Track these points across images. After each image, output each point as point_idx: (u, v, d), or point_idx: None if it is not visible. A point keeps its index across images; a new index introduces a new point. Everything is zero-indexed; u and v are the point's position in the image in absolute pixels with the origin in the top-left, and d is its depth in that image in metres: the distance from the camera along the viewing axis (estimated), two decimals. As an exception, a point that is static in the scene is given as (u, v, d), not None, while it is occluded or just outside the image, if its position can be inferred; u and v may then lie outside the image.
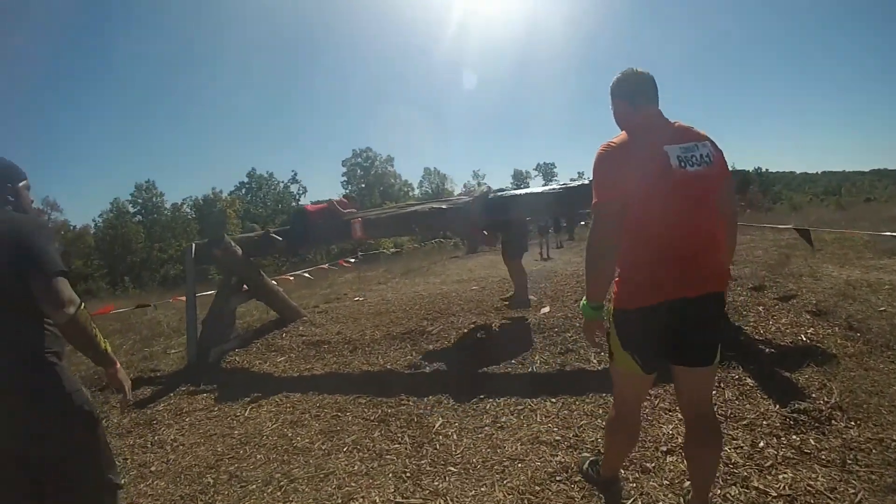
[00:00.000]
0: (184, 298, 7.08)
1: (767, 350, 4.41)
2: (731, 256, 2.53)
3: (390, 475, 3.32)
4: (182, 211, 60.44)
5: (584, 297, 2.35)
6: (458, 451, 3.49)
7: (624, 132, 2.31)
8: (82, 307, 2.10)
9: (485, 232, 6.81)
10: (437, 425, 3.89)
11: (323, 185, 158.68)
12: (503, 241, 7.20)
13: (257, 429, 4.29)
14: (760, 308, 5.35)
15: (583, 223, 21.21)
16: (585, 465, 3.03)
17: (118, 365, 2.32)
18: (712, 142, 2.28)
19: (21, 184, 2.36)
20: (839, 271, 6.90)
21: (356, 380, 5.14)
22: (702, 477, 2.48)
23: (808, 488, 2.69)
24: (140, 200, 58.29)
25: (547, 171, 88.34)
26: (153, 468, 3.88)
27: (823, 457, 2.93)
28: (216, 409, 4.87)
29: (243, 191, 64.27)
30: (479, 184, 73.57)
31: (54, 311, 2.04)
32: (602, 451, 2.98)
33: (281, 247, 6.73)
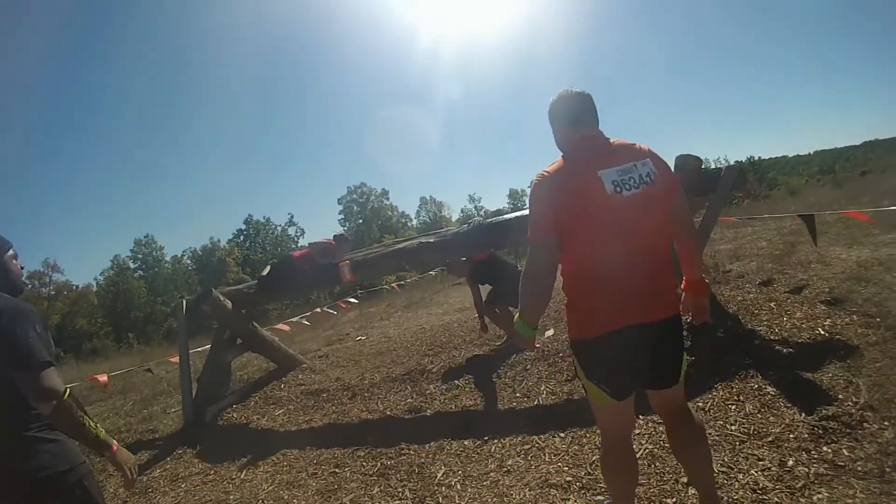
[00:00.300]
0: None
1: (785, 351, 4.14)
2: (699, 264, 2.46)
3: (391, 538, 3.08)
4: (182, 263, 60.46)
5: (519, 316, 2.32)
6: (463, 503, 3.24)
7: (560, 158, 2.30)
8: (66, 396, 2.03)
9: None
10: (439, 475, 3.64)
11: (321, 225, 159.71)
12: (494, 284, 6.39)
13: (253, 492, 4.07)
14: (772, 304, 5.08)
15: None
16: None
17: (115, 447, 2.18)
18: (655, 156, 2.24)
19: (7, 254, 2.27)
20: (848, 253, 6.63)
21: (355, 430, 4.92)
22: (700, 477, 2.42)
23: (847, 507, 2.42)
24: (140, 256, 58.06)
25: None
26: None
27: (860, 468, 2.66)
28: (212, 472, 4.66)
29: (241, 238, 64.05)
30: (476, 208, 73.77)
31: (38, 405, 2.01)
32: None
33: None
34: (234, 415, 6.03)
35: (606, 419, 2.41)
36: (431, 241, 5.77)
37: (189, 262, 60.74)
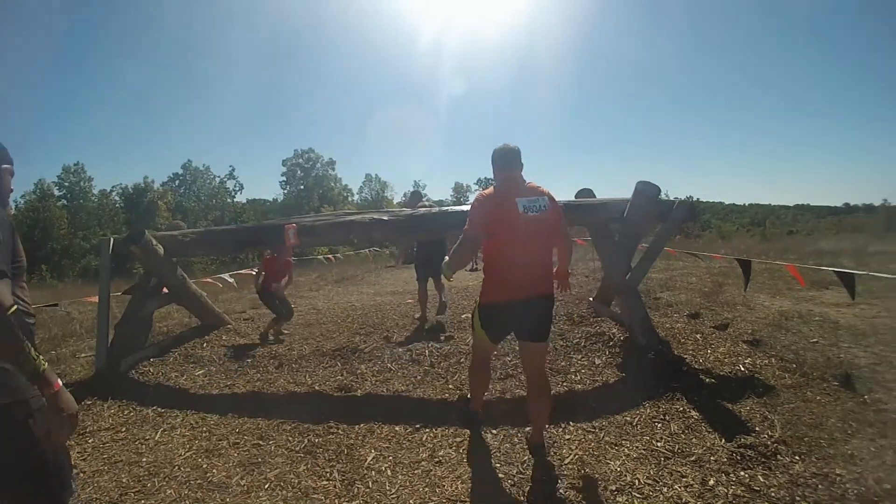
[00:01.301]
0: (97, 299, 6.32)
1: (708, 380, 4.38)
2: (567, 262, 3.73)
3: (318, 518, 3.01)
4: (110, 199, 55.98)
5: (446, 265, 3.38)
6: (394, 491, 3.19)
7: (493, 186, 3.47)
8: (10, 312, 1.74)
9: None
10: (369, 459, 3.57)
11: (261, 184, 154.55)
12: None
13: (168, 457, 3.80)
14: (698, 336, 5.34)
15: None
16: (462, 405, 4.17)
17: (57, 386, 1.84)
18: (550, 197, 3.39)
19: (3, 167, 2.14)
20: (771, 301, 7.03)
21: (281, 401, 4.75)
22: (538, 421, 3.47)
23: (761, 528, 2.56)
24: (67, 184, 53.46)
25: (487, 186, 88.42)
26: (46, 501, 3.41)
27: (773, 494, 2.84)
28: (124, 429, 4.34)
29: (177, 182, 60.84)
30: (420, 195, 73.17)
31: None
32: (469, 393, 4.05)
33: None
34: (151, 369, 5.71)
35: (481, 350, 3.70)
36: (385, 219, 5.69)
37: (118, 198, 56.35)
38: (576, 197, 5.83)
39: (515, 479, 3.20)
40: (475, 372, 3.83)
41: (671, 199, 6.03)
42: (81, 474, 3.65)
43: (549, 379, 4.59)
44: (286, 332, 7.17)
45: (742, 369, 4.54)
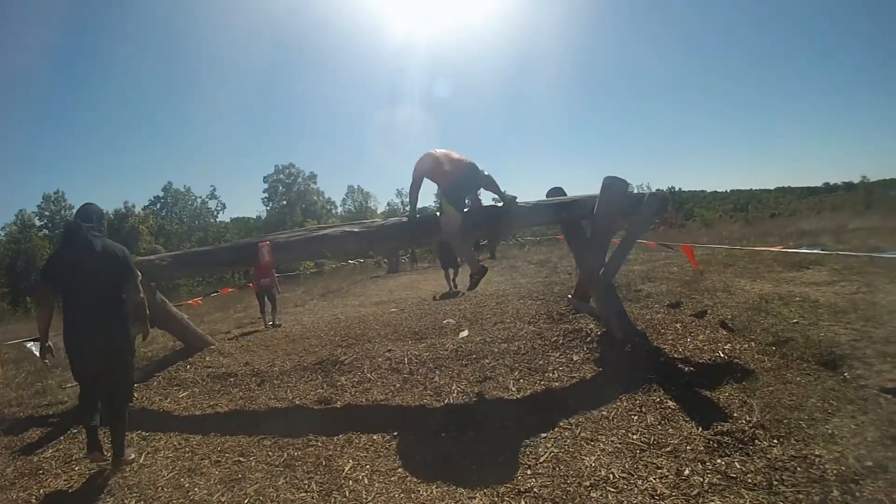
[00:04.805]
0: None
1: (687, 369, 4.36)
2: None
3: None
4: None
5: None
6: (370, 498, 3.19)
7: None
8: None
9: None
10: (346, 468, 3.57)
11: (243, 202, 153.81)
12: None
13: (152, 479, 3.82)
14: (678, 325, 5.32)
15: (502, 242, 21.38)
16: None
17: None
18: None
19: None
20: (751, 285, 7.03)
21: (262, 418, 4.76)
22: None
23: (737, 516, 2.55)
24: (47, 213, 53.36)
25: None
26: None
27: (750, 480, 2.82)
28: (109, 454, 4.25)
29: (158, 205, 60.26)
30: (403, 203, 73.46)
31: (134, 295, 4.10)
32: None
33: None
34: (135, 395, 5.55)
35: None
36: (356, 230, 5.66)
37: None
38: (546, 196, 5.84)
39: (491, 482, 3.17)
40: None
41: (646, 191, 6.05)
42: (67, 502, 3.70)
43: (527, 378, 4.68)
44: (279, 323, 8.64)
45: (721, 355, 4.53)
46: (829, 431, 3.20)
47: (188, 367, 6.55)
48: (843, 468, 2.81)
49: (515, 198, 5.55)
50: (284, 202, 63.99)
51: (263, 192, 65.34)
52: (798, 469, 2.85)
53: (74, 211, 4.52)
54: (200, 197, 62.05)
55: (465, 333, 6.20)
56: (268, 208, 63.96)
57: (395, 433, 3.99)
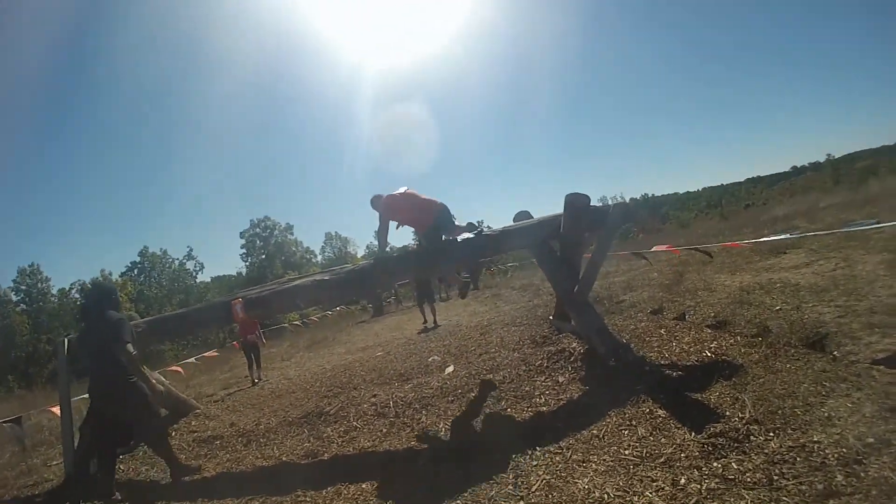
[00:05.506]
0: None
1: (675, 374, 4.28)
2: None
3: None
4: (71, 297, 53.97)
5: None
6: (360, 552, 3.04)
7: None
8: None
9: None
10: (335, 525, 3.42)
11: (222, 260, 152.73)
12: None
13: None
14: (662, 331, 5.27)
15: (485, 270, 21.33)
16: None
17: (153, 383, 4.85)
18: None
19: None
20: (731, 279, 7.01)
21: (249, 478, 4.61)
22: None
23: (740, 518, 2.45)
24: (24, 287, 52.01)
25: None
26: None
27: (749, 479, 2.72)
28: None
29: (135, 271, 59.31)
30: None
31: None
32: None
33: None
34: (121, 466, 5.51)
35: None
36: (326, 278, 5.61)
37: (78, 295, 53.88)
38: (514, 220, 5.83)
39: (484, 518, 3.04)
40: None
41: (618, 201, 6.05)
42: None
43: (514, 406, 4.58)
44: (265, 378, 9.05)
45: (708, 354, 4.45)
46: (826, 414, 3.12)
47: (173, 433, 6.37)
48: (844, 450, 2.72)
49: (481, 230, 5.59)
50: (263, 256, 63.49)
51: (241, 247, 64.89)
52: (798, 459, 2.76)
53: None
54: (178, 258, 61.32)
55: (450, 369, 6.10)
56: (247, 264, 63.44)
57: (385, 479, 3.86)
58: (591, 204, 5.22)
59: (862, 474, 2.53)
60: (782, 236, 7.08)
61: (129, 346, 4.58)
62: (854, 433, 2.84)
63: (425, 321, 11.95)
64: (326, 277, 5.63)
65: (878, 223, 5.70)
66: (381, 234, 5.86)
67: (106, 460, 4.79)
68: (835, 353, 3.90)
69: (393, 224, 5.81)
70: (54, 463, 6.22)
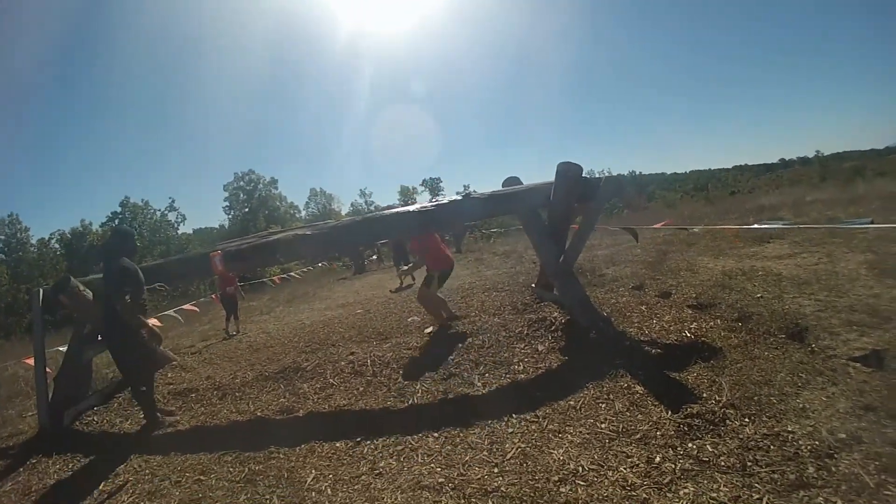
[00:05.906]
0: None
1: (654, 351, 4.29)
2: None
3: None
4: (50, 247, 53.38)
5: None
6: (333, 509, 3.04)
7: None
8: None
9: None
10: (309, 479, 3.43)
11: (205, 212, 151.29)
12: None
13: None
14: (643, 307, 5.28)
15: (469, 234, 21.37)
16: None
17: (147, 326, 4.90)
18: None
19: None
20: (714, 263, 7.03)
21: (223, 432, 4.59)
22: None
23: (711, 501, 2.49)
24: (3, 237, 51.99)
25: (433, 186, 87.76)
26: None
27: (723, 462, 2.74)
28: (69, 484, 4.18)
29: (116, 221, 58.39)
30: (367, 203, 73.24)
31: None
32: None
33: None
34: (95, 418, 5.50)
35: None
36: (308, 233, 5.50)
37: (57, 245, 53.59)
38: (503, 185, 5.74)
39: (457, 482, 3.06)
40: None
41: (604, 175, 6.01)
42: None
43: (493, 372, 4.58)
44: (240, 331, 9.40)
45: (688, 335, 4.47)
46: (801, 405, 3.15)
47: (148, 385, 6.27)
48: (816, 443, 2.76)
49: (469, 194, 5.49)
50: (247, 209, 62.95)
51: (224, 200, 64.28)
52: (771, 447, 2.79)
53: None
54: (159, 210, 60.53)
55: (430, 329, 6.09)
56: (230, 217, 62.97)
57: (359, 439, 3.85)
58: (583, 175, 5.17)
59: (833, 468, 2.56)
60: (777, 224, 7.09)
61: (126, 297, 4.65)
62: (827, 427, 2.88)
63: (401, 282, 12.32)
64: (309, 232, 5.51)
65: (871, 222, 5.72)
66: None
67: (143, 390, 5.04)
68: (813, 346, 3.93)
69: None
70: (29, 415, 6.18)
